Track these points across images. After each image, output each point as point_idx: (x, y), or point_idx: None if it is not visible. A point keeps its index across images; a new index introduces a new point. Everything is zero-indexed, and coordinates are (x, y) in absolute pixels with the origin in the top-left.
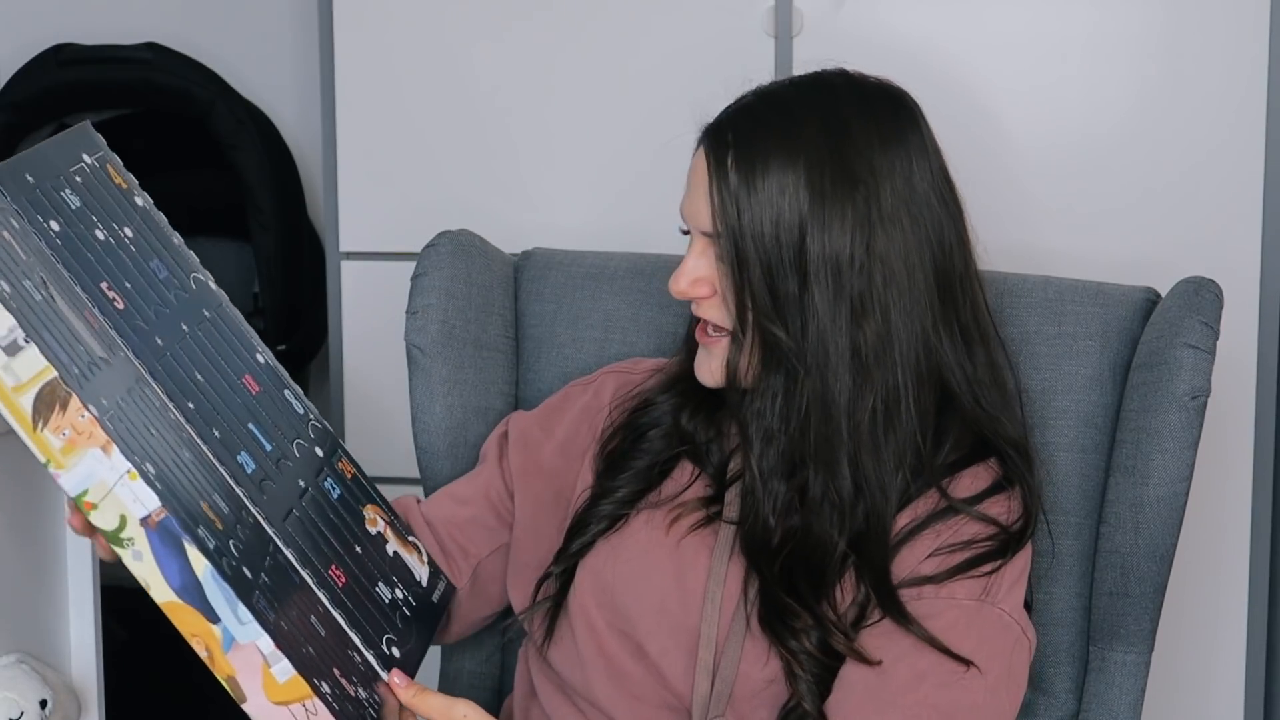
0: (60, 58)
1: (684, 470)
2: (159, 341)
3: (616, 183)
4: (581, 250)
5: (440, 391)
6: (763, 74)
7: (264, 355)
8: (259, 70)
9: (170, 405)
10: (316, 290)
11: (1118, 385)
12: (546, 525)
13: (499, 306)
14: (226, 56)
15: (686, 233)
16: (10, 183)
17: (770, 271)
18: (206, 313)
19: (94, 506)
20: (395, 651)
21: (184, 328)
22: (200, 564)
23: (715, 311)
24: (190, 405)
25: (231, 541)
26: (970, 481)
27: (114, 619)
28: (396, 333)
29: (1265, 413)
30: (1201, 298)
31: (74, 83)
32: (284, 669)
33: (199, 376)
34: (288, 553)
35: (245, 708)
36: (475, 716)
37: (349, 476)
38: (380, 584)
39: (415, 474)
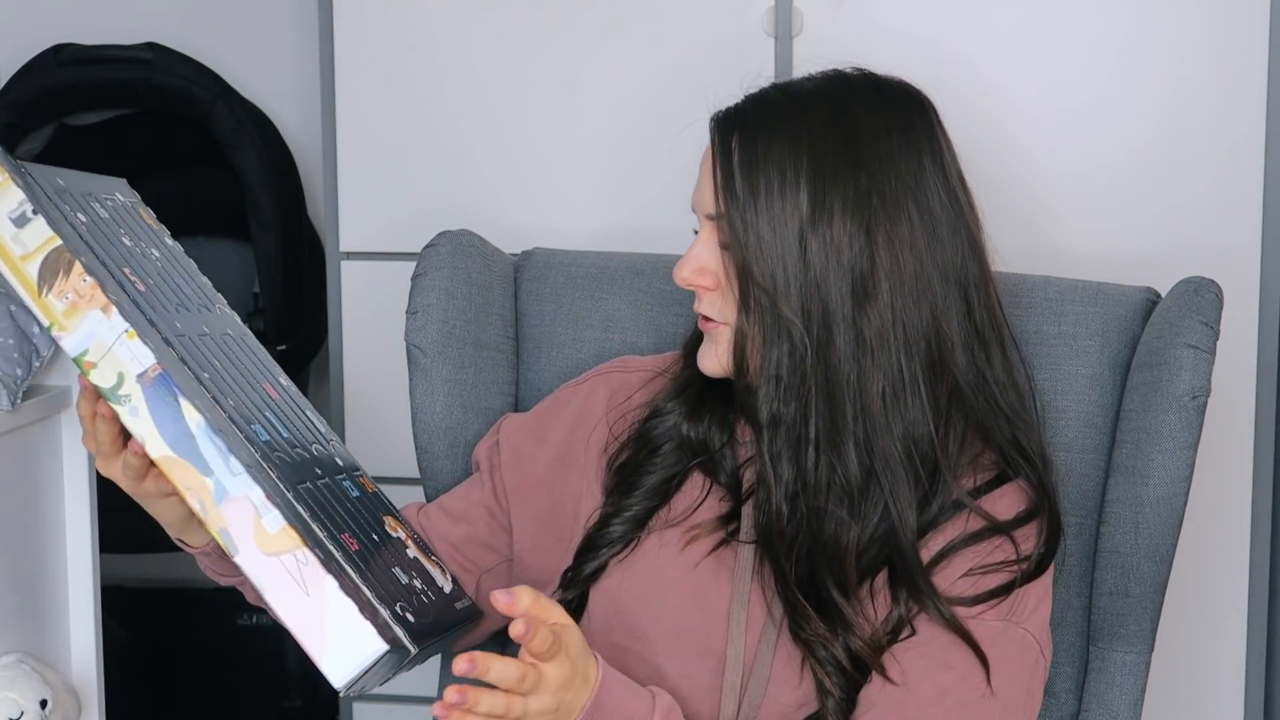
0: (60, 58)
1: (695, 484)
2: (178, 325)
3: (616, 183)
4: (581, 250)
5: (440, 391)
6: (763, 74)
7: (286, 381)
8: (259, 70)
9: (186, 369)
10: (316, 290)
11: (1118, 385)
12: (547, 538)
13: (499, 306)
14: (226, 57)
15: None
16: (39, 175)
17: (772, 250)
18: (230, 331)
19: (93, 365)
20: (410, 618)
21: (205, 329)
22: (194, 417)
23: (715, 306)
24: (205, 375)
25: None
26: (1007, 504)
27: (114, 619)
28: (396, 333)
29: (1265, 413)
30: (1201, 298)
31: (74, 83)
32: (274, 519)
33: (216, 363)
34: (299, 507)
35: (237, 560)
36: (579, 640)
37: (370, 490)
38: (398, 568)
39: (415, 474)
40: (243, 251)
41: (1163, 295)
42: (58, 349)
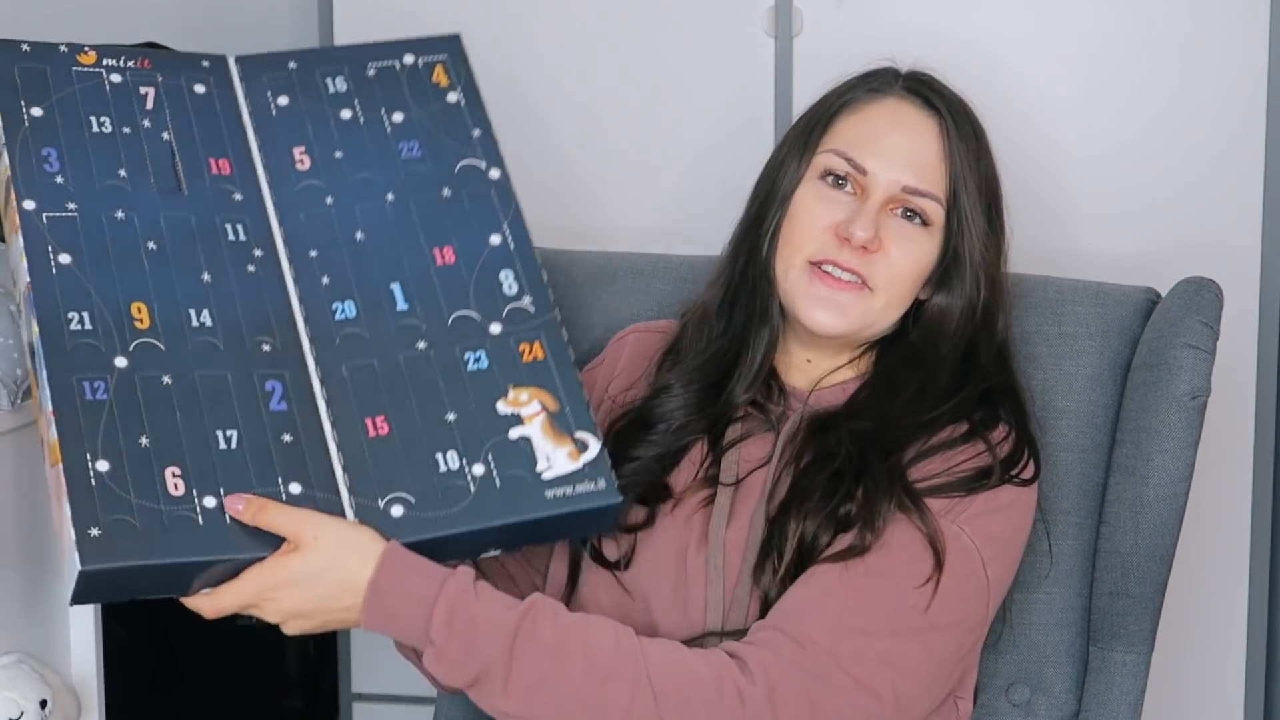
0: None
1: (692, 460)
2: (329, 200)
3: (616, 182)
4: (582, 250)
5: None
6: (763, 74)
7: (500, 240)
8: None
9: (258, 252)
10: None
11: (1118, 385)
12: None
13: None
14: None
15: (841, 179)
16: (252, 62)
17: (977, 243)
18: (446, 191)
19: (15, 285)
20: (395, 514)
21: (389, 197)
22: (34, 332)
23: (877, 266)
24: (313, 253)
25: (135, 342)
26: (952, 429)
27: (114, 619)
28: None
29: (1265, 413)
30: (1201, 298)
31: None
32: (54, 432)
33: (359, 235)
34: (316, 378)
35: (48, 473)
36: (328, 538)
37: (526, 358)
38: (445, 452)
39: None
40: None
41: (1163, 295)
42: None
